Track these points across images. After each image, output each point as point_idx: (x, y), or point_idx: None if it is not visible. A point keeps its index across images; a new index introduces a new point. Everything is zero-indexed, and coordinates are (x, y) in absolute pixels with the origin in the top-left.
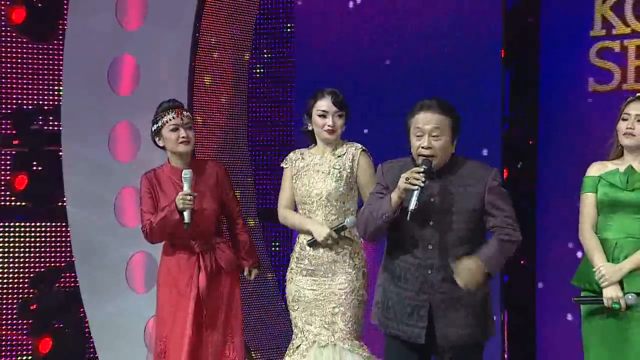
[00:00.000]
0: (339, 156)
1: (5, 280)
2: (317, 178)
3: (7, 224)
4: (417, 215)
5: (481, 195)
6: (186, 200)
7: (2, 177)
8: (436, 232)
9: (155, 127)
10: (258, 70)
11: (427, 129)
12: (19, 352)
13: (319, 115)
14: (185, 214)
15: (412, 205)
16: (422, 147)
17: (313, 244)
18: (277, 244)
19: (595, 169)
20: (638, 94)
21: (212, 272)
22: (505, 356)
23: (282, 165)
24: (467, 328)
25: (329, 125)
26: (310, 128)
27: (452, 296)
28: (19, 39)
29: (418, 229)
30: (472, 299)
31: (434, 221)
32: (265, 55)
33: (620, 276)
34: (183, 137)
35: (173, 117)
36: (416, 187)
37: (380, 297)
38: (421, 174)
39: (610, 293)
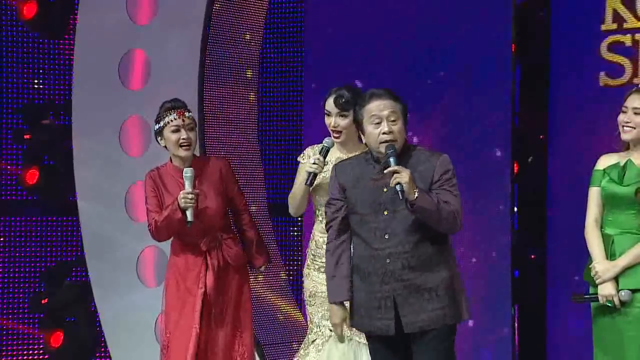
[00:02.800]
0: None
1: (16, 274)
2: None
3: (18, 218)
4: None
5: (429, 179)
6: (187, 199)
7: (14, 172)
8: (391, 221)
9: (157, 127)
10: (268, 64)
11: (384, 115)
12: (30, 346)
13: (326, 114)
14: (188, 212)
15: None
16: (384, 133)
17: (312, 179)
18: (286, 239)
19: (602, 162)
20: (635, 87)
21: (219, 269)
22: (516, 350)
23: (298, 159)
24: (433, 312)
25: (332, 126)
26: None
27: (413, 282)
28: (30, 34)
29: (375, 220)
30: (434, 283)
31: (388, 210)
32: (275, 49)
33: (614, 273)
34: (184, 139)
35: (175, 118)
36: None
37: (353, 299)
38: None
39: (604, 290)
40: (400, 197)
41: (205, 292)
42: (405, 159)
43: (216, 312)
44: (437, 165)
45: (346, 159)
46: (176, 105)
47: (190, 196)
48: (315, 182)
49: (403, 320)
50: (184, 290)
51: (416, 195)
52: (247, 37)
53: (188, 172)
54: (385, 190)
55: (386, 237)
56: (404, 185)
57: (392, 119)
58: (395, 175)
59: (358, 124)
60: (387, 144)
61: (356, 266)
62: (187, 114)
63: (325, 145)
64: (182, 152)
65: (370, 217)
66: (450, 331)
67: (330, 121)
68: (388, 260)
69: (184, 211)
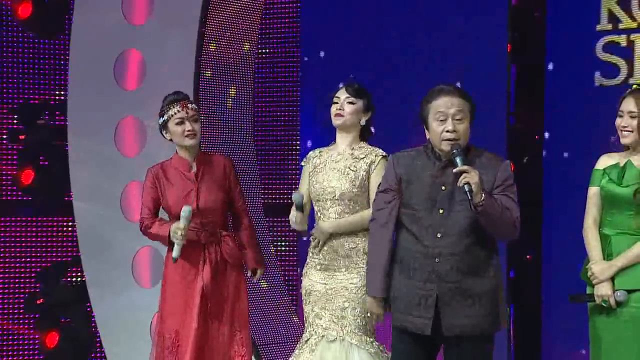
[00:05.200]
0: (356, 158)
1: (11, 275)
2: (332, 176)
3: (13, 218)
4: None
5: (490, 184)
6: (176, 234)
7: (9, 172)
8: (445, 220)
9: (161, 120)
10: (263, 64)
11: (450, 113)
12: (25, 347)
13: (333, 103)
14: (175, 248)
15: None
16: (447, 131)
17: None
18: (282, 239)
19: (602, 162)
20: (628, 90)
21: (217, 265)
22: (512, 350)
23: (302, 163)
24: (474, 318)
25: (337, 109)
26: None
27: (459, 286)
28: (25, 34)
29: (429, 218)
30: (480, 289)
31: (444, 209)
32: (271, 49)
33: (610, 274)
34: (189, 131)
35: (178, 111)
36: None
37: (392, 290)
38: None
39: (601, 291)
40: (469, 198)
41: (203, 286)
42: (468, 160)
43: (213, 307)
44: (499, 170)
45: (404, 151)
46: (179, 98)
47: (180, 232)
48: (317, 184)
49: (443, 322)
50: (185, 287)
51: (483, 197)
52: (243, 37)
53: (186, 211)
54: (443, 188)
55: (439, 235)
56: (472, 185)
57: (458, 117)
58: (464, 175)
59: (422, 120)
60: (450, 143)
61: (399, 259)
62: (190, 105)
63: (296, 202)
64: (188, 141)
65: (424, 214)
66: (487, 340)
67: (336, 106)
68: (437, 260)
69: (172, 244)
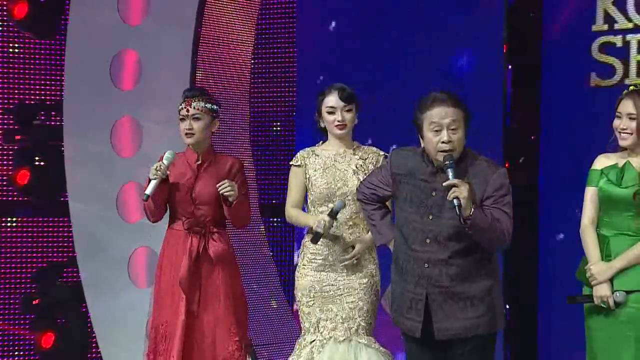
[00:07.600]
0: (361, 159)
1: (7, 275)
2: (341, 176)
3: (9, 218)
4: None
5: (481, 194)
6: (153, 170)
7: (5, 172)
8: (435, 226)
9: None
10: (259, 65)
11: (445, 123)
12: (21, 347)
13: (328, 112)
14: (151, 184)
15: None
16: (443, 142)
17: (314, 237)
18: (279, 239)
19: (600, 163)
20: (625, 91)
21: (197, 258)
22: (508, 350)
23: (291, 163)
24: (468, 321)
25: (338, 121)
26: (323, 125)
27: (450, 290)
28: (21, 34)
29: (419, 222)
30: (474, 292)
31: (434, 215)
32: (268, 49)
33: (609, 275)
34: (187, 129)
35: (182, 108)
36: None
37: (391, 289)
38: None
39: (600, 292)
40: (457, 213)
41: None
42: (461, 168)
43: (202, 303)
44: (490, 180)
45: (404, 148)
46: (187, 95)
47: (157, 166)
48: (314, 183)
49: (435, 326)
50: (174, 277)
51: (472, 211)
52: (239, 36)
53: (170, 153)
54: (434, 194)
55: (427, 241)
56: (461, 200)
57: (453, 127)
58: (453, 189)
59: (417, 128)
60: (445, 154)
61: (395, 258)
62: (194, 103)
63: (337, 209)
64: (186, 140)
65: (414, 217)
66: (491, 341)
67: (334, 117)
68: (426, 265)
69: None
